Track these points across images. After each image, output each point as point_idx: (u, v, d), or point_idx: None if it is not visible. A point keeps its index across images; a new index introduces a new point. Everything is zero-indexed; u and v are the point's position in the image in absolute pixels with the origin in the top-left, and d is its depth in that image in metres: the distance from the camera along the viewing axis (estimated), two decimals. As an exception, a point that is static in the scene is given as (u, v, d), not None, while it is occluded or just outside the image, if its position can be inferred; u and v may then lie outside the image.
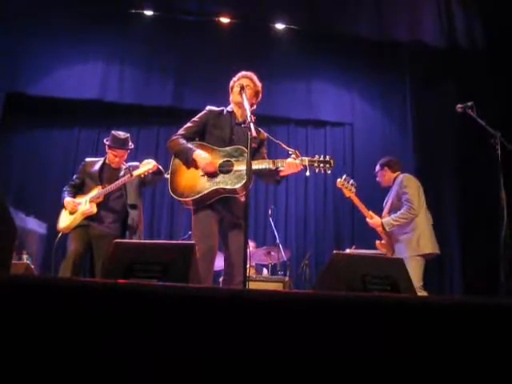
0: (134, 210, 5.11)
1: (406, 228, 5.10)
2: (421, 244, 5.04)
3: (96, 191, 5.04)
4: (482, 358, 1.66)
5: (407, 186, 5.16)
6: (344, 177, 5.12)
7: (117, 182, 5.00)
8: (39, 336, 1.52)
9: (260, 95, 4.27)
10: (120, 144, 5.18)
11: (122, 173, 5.15)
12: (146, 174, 5.00)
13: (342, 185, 5.08)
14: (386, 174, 5.39)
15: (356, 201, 5.12)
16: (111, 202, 5.09)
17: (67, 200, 5.05)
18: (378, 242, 5.32)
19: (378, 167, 5.50)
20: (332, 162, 3.97)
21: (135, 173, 4.97)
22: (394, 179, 5.36)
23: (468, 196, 7.11)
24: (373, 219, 5.15)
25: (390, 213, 5.22)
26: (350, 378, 1.59)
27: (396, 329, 1.65)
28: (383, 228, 5.08)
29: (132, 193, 5.16)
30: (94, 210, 4.98)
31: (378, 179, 5.53)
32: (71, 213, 5.01)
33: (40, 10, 7.56)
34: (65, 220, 5.03)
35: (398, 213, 5.08)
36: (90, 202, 4.99)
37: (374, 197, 5.78)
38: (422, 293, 4.81)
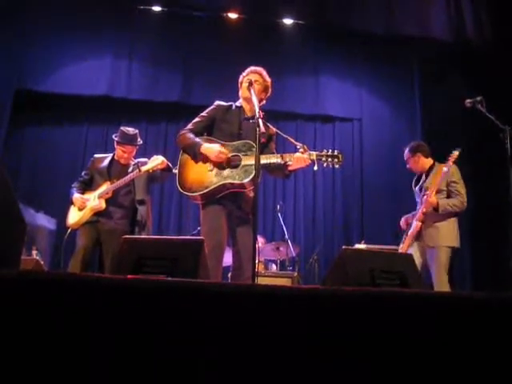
0: (142, 206, 5.11)
1: (451, 217, 5.07)
2: (457, 236, 5.06)
3: (105, 187, 5.05)
4: (491, 353, 1.66)
5: (459, 178, 5.11)
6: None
7: (125, 178, 5.01)
8: (49, 331, 1.53)
9: (269, 90, 4.27)
10: (128, 140, 5.18)
11: (130, 169, 5.16)
12: (155, 169, 5.00)
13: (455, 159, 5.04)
14: (419, 161, 5.29)
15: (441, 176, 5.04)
16: (120, 197, 5.10)
17: (75, 197, 5.07)
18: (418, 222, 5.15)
19: (408, 154, 5.37)
20: (340, 156, 3.95)
21: (143, 168, 4.97)
22: (432, 165, 5.29)
23: (477, 192, 7.08)
24: (432, 198, 5.01)
25: None
26: (358, 375, 1.59)
27: (405, 324, 1.65)
28: (436, 209, 4.97)
29: (140, 189, 5.16)
30: (103, 205, 5.00)
31: (409, 166, 5.42)
32: (80, 209, 5.03)
33: (48, 7, 7.57)
34: (74, 216, 5.04)
35: (453, 199, 5.03)
36: (99, 197, 5.00)
37: (382, 192, 5.76)
38: (447, 287, 4.79)
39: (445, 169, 5.02)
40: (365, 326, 1.63)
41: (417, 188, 5.32)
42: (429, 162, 5.33)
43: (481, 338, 1.66)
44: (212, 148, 3.93)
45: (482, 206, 6.97)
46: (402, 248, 5.14)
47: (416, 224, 5.04)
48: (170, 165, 5.07)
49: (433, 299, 1.75)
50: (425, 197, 5.01)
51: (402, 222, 5.31)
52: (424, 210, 5.00)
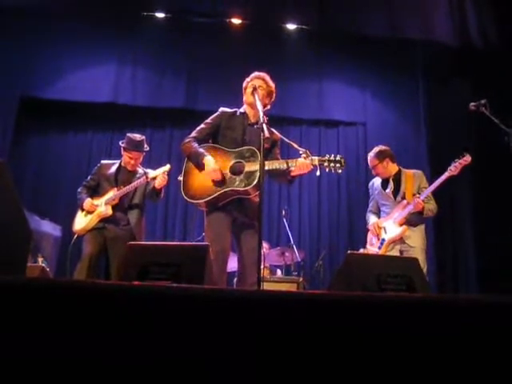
0: (133, 210, 5.14)
1: (423, 222, 5.13)
2: None
3: (112, 193, 5.07)
4: (499, 356, 1.65)
5: (427, 183, 5.15)
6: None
7: (132, 184, 5.04)
8: (53, 338, 1.53)
9: (273, 95, 4.27)
10: (135, 146, 5.20)
11: (137, 176, 5.18)
12: (162, 176, 4.99)
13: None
14: (387, 166, 5.26)
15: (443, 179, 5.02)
16: (126, 204, 5.13)
17: (87, 201, 5.09)
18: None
19: (375, 160, 5.31)
20: (343, 161, 3.94)
21: (150, 175, 4.99)
22: (399, 170, 5.30)
23: (483, 195, 7.06)
24: (421, 201, 5.01)
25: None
26: (364, 380, 1.59)
27: (412, 328, 1.64)
28: (420, 212, 4.98)
29: (138, 195, 5.19)
30: (110, 212, 5.02)
31: (376, 171, 5.37)
32: (88, 212, 5.05)
33: (53, 14, 7.60)
34: (80, 222, 5.06)
35: (430, 205, 5.06)
36: (106, 204, 5.02)
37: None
38: None
39: (452, 168, 5.00)
40: (371, 331, 1.62)
41: (388, 191, 5.27)
42: (395, 167, 5.33)
43: (488, 342, 1.65)
44: (210, 163, 3.93)
45: (486, 209, 6.96)
46: (379, 253, 5.10)
47: (403, 228, 5.04)
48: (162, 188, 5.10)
49: (438, 303, 1.74)
50: (418, 199, 4.97)
51: (375, 226, 5.28)
52: (413, 211, 5.00)
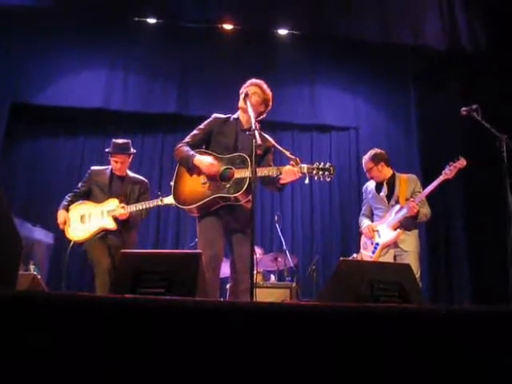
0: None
1: (416, 226, 5.14)
2: None
3: (112, 204, 5.02)
4: (493, 365, 1.65)
5: (421, 187, 5.16)
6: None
7: (143, 203, 4.99)
8: (45, 352, 1.52)
9: (270, 104, 4.24)
10: (118, 149, 5.17)
11: (130, 186, 5.19)
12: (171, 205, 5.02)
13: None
14: (382, 170, 5.26)
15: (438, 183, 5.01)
16: (131, 219, 5.09)
17: (64, 215, 5.07)
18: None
19: (371, 163, 5.30)
20: (332, 169, 3.90)
21: (165, 200, 4.94)
22: (393, 174, 5.31)
23: (475, 200, 7.08)
24: (415, 206, 4.98)
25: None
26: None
27: (404, 340, 1.64)
28: (414, 216, 4.97)
29: (131, 202, 5.16)
30: (114, 227, 4.98)
31: (371, 175, 5.37)
32: (83, 217, 5.02)
33: (44, 20, 7.57)
34: (80, 230, 5.00)
35: (425, 210, 5.06)
36: (109, 215, 4.99)
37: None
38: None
39: (447, 172, 5.00)
40: (363, 342, 1.62)
41: (382, 195, 5.27)
42: (389, 170, 5.33)
43: (483, 352, 1.65)
44: (203, 160, 3.94)
45: (478, 213, 6.97)
46: (373, 258, 5.11)
47: (398, 232, 5.04)
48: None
49: (431, 314, 1.74)
50: (412, 203, 4.96)
51: (368, 230, 5.26)
52: (407, 215, 4.99)
